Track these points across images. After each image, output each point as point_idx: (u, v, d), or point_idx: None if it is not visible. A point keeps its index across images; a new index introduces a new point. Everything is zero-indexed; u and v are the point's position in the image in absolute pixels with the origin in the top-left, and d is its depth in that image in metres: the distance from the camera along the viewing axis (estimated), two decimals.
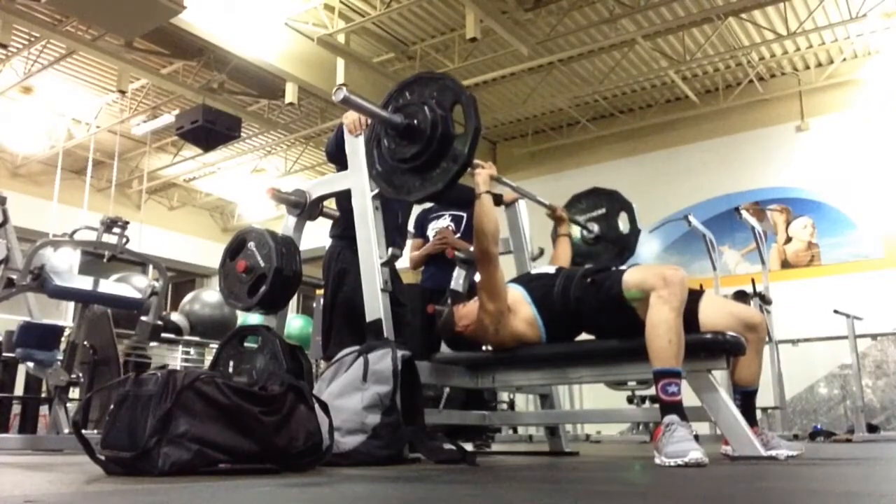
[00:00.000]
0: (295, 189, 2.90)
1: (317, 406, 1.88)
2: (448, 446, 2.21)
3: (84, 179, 9.25)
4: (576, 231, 3.31)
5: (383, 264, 2.53)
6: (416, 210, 4.05)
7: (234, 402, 1.65)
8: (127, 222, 3.09)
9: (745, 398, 2.50)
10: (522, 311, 2.56)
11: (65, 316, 7.40)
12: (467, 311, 2.68)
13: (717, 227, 7.11)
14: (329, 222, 3.06)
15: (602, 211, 3.32)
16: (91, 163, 9.30)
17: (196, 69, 7.81)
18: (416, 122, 2.11)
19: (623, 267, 2.52)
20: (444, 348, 2.94)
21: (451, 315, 2.72)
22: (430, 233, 4.31)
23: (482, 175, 2.60)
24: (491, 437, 4.79)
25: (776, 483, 1.49)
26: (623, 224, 3.29)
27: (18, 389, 4.16)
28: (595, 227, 3.32)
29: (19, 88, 8.20)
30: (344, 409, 2.12)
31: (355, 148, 2.65)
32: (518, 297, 2.58)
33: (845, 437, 5.36)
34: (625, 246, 3.26)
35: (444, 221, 4.27)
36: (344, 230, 2.86)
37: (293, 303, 6.63)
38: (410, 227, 3.49)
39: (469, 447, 3.36)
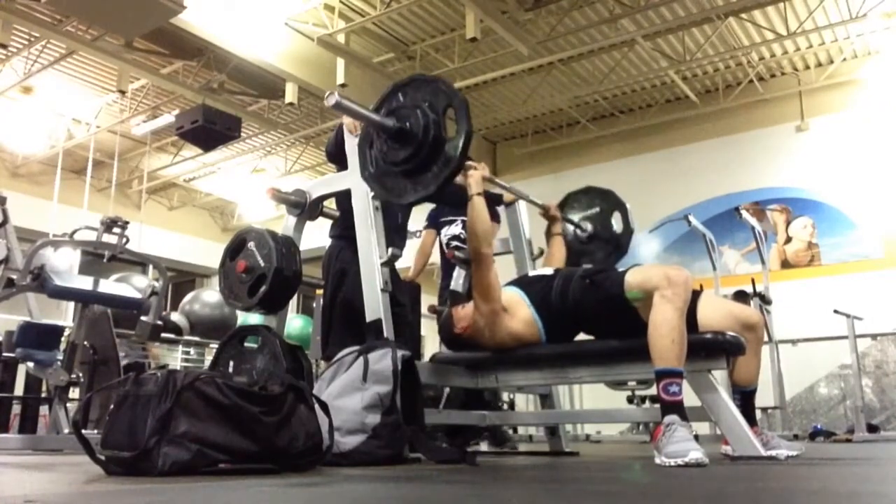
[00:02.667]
0: (295, 189, 2.90)
1: (317, 406, 1.88)
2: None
3: (84, 179, 9.25)
4: (569, 229, 3.29)
5: (383, 264, 2.53)
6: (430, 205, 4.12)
7: (234, 402, 1.65)
8: (127, 222, 3.08)
9: (745, 398, 2.51)
10: (520, 313, 2.55)
11: (65, 316, 7.40)
12: (466, 314, 2.67)
13: (717, 227, 7.10)
14: (329, 222, 3.06)
15: (596, 210, 3.30)
16: (91, 163, 9.30)
17: (196, 69, 7.81)
18: (408, 125, 2.11)
19: (621, 269, 2.51)
20: (444, 348, 2.94)
21: (450, 317, 2.71)
22: (444, 238, 4.36)
23: (475, 176, 2.60)
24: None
25: (776, 483, 1.49)
26: (617, 223, 3.27)
27: (18, 389, 4.16)
28: (589, 226, 3.29)
29: (19, 88, 8.20)
30: (344, 409, 2.12)
31: (355, 148, 2.64)
32: (516, 299, 2.57)
33: (845, 437, 5.35)
34: (617, 245, 3.25)
35: (456, 228, 4.31)
36: (344, 230, 2.86)
37: (293, 303, 6.63)
38: (411, 227, 3.49)
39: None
